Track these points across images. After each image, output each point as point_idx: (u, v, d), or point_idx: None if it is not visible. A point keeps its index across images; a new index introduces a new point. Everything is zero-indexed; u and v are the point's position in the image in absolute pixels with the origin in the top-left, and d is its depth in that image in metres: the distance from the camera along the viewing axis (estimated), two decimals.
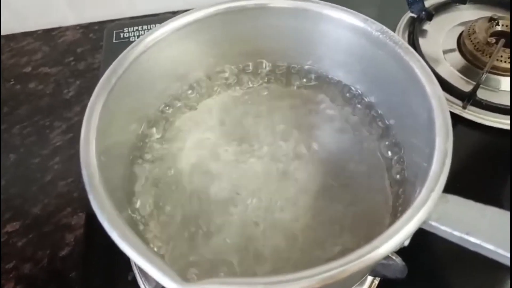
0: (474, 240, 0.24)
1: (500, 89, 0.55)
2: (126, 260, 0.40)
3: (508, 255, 0.24)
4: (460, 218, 0.25)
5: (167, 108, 0.39)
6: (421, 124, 0.30)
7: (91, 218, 0.45)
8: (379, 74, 0.36)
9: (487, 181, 0.48)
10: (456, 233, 0.25)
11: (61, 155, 0.53)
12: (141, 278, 0.38)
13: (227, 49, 0.40)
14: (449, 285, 0.41)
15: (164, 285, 0.22)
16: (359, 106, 0.40)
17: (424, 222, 0.25)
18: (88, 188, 0.26)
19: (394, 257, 0.35)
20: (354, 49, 0.36)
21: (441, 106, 0.30)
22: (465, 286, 0.41)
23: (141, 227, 0.32)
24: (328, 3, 0.36)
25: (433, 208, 0.25)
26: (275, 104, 0.40)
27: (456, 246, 0.26)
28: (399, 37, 0.33)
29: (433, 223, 0.25)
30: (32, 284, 0.44)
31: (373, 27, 0.34)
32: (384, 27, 0.34)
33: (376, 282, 0.39)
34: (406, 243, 0.27)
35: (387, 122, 0.38)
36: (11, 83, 0.62)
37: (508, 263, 0.24)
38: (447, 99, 0.53)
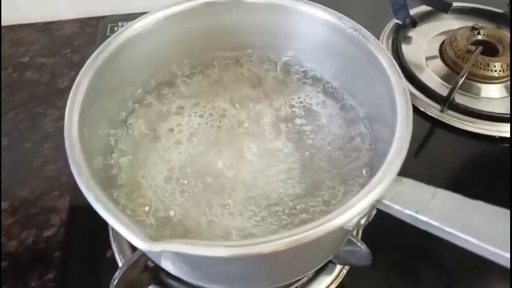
0: (422, 218, 0.26)
1: (480, 95, 0.57)
2: (105, 238, 0.42)
3: (456, 232, 0.25)
4: (412, 198, 0.27)
5: (150, 92, 0.41)
6: (386, 113, 0.32)
7: (75, 200, 0.48)
8: (352, 68, 0.38)
9: (464, 183, 0.50)
10: (407, 211, 0.27)
11: (52, 141, 0.55)
12: (118, 255, 0.39)
13: (207, 41, 0.42)
14: (415, 275, 0.43)
15: (132, 243, 0.24)
16: (332, 97, 0.42)
17: (379, 201, 0.27)
18: (69, 155, 0.28)
19: (359, 244, 0.36)
20: (329, 44, 0.38)
21: (403, 97, 0.31)
22: (431, 276, 0.42)
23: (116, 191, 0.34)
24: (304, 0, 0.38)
25: (387, 189, 0.27)
26: (251, 93, 0.42)
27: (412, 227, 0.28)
28: (370, 34, 0.35)
29: (387, 202, 0.27)
30: (16, 261, 0.45)
31: (347, 24, 0.36)
32: (358, 25, 0.36)
33: (345, 271, 0.41)
34: (363, 221, 0.28)
35: (357, 111, 0.40)
36: (9, 71, 0.64)
37: (454, 241, 0.26)
38: (428, 104, 0.56)
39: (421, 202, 0.27)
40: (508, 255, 0.23)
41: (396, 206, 0.27)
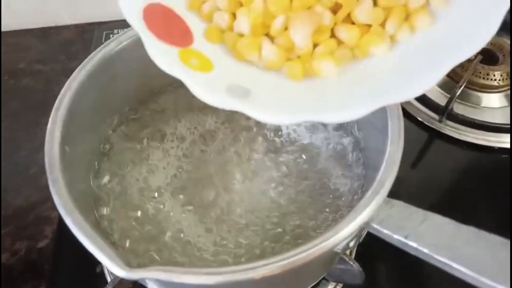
0: (411, 244, 0.25)
1: (481, 105, 0.56)
2: None
3: (446, 260, 0.25)
4: (401, 222, 0.26)
5: (135, 110, 0.40)
6: (378, 132, 0.32)
7: None
8: None
9: (463, 195, 0.49)
10: (396, 236, 0.26)
11: None
12: (108, 270, 0.39)
13: None
14: None
15: (112, 270, 0.24)
16: None
17: (367, 224, 0.27)
18: (48, 175, 0.27)
19: (351, 263, 0.36)
20: None
21: (396, 116, 0.31)
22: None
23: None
24: None
25: (376, 211, 0.26)
26: None
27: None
28: None
29: (376, 226, 0.26)
30: (7, 273, 0.45)
31: None
32: None
33: None
34: (351, 244, 0.28)
35: (352, 132, 0.39)
36: (5, 78, 0.63)
37: (447, 269, 0.25)
38: (426, 114, 0.55)
39: (411, 226, 0.26)
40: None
41: (385, 231, 0.26)
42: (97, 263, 0.41)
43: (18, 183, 0.52)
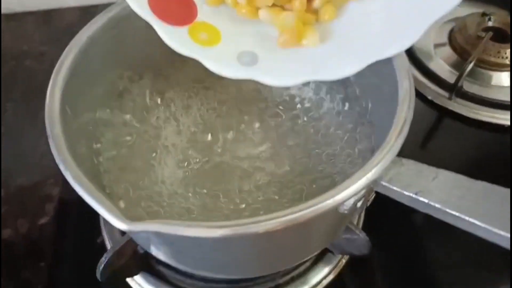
0: (422, 199, 0.24)
1: (491, 83, 0.55)
2: (96, 225, 0.41)
3: (456, 213, 0.24)
4: (411, 180, 0.25)
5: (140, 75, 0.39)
6: (388, 94, 0.31)
7: (66, 186, 0.47)
8: None
9: (473, 174, 0.47)
10: (406, 193, 0.25)
11: None
12: (108, 241, 0.38)
13: None
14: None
15: (111, 223, 0.23)
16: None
17: (376, 182, 0.26)
18: (48, 133, 0.26)
19: (357, 232, 0.35)
20: None
21: (406, 77, 0.30)
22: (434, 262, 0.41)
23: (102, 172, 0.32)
24: None
25: (386, 169, 0.25)
26: None
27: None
28: None
29: (385, 184, 0.26)
30: (10, 248, 0.44)
31: None
32: None
33: (344, 261, 0.39)
34: (359, 204, 0.27)
35: (358, 95, 0.38)
36: (8, 60, 0.63)
37: (456, 223, 0.24)
38: (436, 92, 0.54)
39: (422, 183, 0.25)
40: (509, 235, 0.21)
41: (394, 188, 0.25)
42: (98, 235, 0.40)
43: (21, 163, 0.51)
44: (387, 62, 0.31)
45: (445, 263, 0.40)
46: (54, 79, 0.29)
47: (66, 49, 0.31)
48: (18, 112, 0.57)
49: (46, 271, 0.41)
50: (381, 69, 0.32)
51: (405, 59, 0.31)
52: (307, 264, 0.38)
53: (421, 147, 0.51)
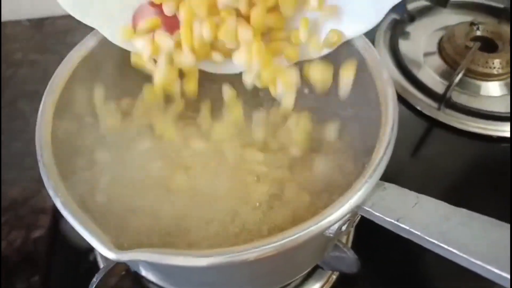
0: (404, 226, 0.25)
1: (480, 93, 0.55)
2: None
3: (438, 242, 0.24)
4: (393, 205, 0.26)
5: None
6: (374, 115, 0.31)
7: None
8: None
9: (462, 185, 0.48)
10: (388, 219, 0.26)
11: None
12: (101, 258, 0.39)
13: None
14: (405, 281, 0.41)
15: (100, 252, 0.23)
16: None
17: (359, 207, 0.26)
18: (39, 157, 0.27)
19: (346, 250, 0.35)
20: None
21: (390, 101, 0.30)
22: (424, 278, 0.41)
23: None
24: None
25: (368, 194, 0.26)
26: None
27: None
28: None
29: (367, 209, 0.26)
30: (4, 262, 0.45)
31: None
32: None
33: (334, 277, 0.40)
34: (344, 228, 0.27)
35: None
36: (1, 67, 0.63)
37: (439, 251, 0.24)
38: (424, 102, 0.54)
39: (403, 209, 0.26)
40: (498, 271, 0.22)
41: (377, 213, 0.26)
42: (90, 251, 0.40)
43: (14, 174, 0.51)
44: (372, 87, 0.32)
45: (435, 280, 0.41)
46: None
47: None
48: (10, 119, 0.57)
49: (39, 285, 0.42)
50: (365, 92, 0.32)
51: (390, 82, 0.31)
52: (298, 281, 0.38)
53: (410, 156, 0.51)
